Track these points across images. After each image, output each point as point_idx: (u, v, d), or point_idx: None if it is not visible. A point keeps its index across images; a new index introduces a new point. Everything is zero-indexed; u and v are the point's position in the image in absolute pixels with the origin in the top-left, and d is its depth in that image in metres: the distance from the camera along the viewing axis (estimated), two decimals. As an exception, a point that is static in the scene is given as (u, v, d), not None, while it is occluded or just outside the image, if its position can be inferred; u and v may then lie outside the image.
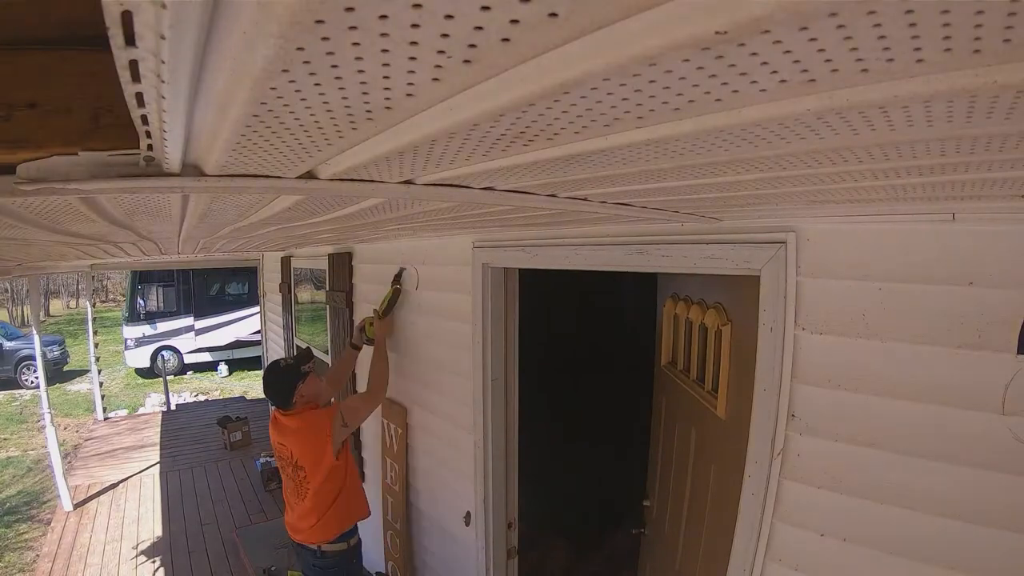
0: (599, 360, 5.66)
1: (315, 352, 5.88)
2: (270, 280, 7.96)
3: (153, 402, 12.75)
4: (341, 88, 0.44)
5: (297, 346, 6.64)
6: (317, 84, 0.43)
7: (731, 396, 2.13)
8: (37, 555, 5.91)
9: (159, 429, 9.97)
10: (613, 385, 5.52)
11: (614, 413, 5.48)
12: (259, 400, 11.22)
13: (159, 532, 6.11)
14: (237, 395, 13.25)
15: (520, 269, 2.91)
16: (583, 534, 4.95)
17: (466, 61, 0.39)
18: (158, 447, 8.98)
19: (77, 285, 31.70)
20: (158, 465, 8.19)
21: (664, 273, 2.54)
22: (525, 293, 3.12)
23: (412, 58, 0.38)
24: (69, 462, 8.22)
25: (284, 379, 3.12)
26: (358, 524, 3.39)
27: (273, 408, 3.27)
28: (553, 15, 0.32)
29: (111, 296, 34.77)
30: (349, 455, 3.31)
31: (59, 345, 16.21)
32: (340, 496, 3.20)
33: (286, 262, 6.75)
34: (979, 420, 1.30)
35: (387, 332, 3.78)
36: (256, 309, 11.31)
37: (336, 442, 3.10)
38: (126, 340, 15.18)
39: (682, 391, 2.69)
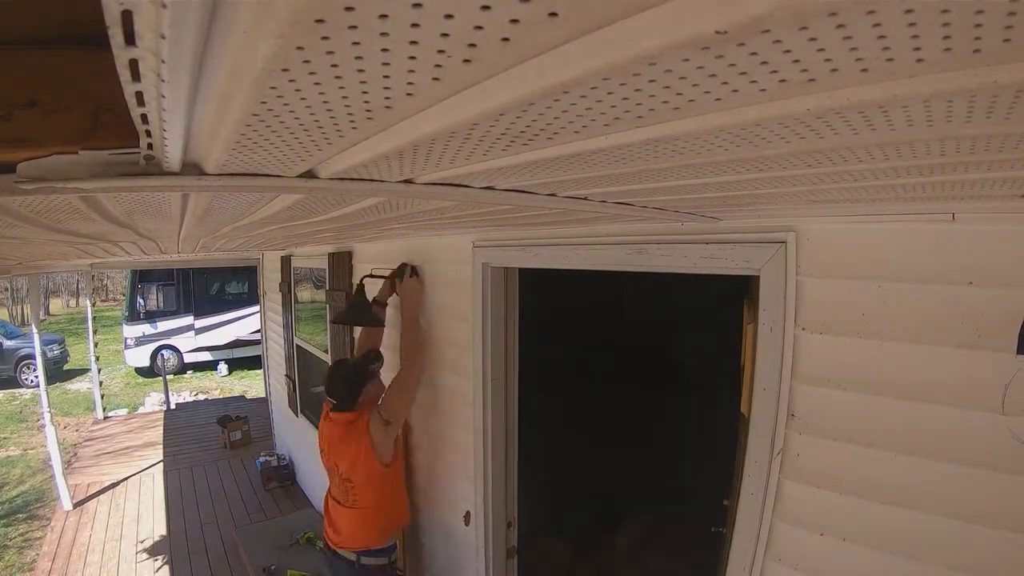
0: (605, 361, 5.66)
1: (315, 351, 5.91)
2: (270, 279, 7.95)
3: (153, 401, 12.75)
4: (341, 87, 0.44)
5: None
6: (317, 83, 0.43)
7: (748, 394, 2.12)
8: (37, 554, 5.91)
9: (159, 428, 9.98)
10: (624, 385, 5.52)
11: (623, 414, 5.48)
12: (259, 399, 11.22)
13: (159, 531, 6.11)
14: (237, 394, 13.26)
15: (530, 269, 2.90)
16: (584, 534, 4.95)
17: (466, 61, 0.39)
18: (158, 446, 8.98)
19: (77, 284, 31.68)
20: (158, 464, 8.20)
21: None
22: (535, 292, 3.11)
23: (412, 57, 0.38)
24: (69, 461, 8.23)
25: (354, 378, 3.08)
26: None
27: (326, 405, 3.19)
28: (553, 14, 0.32)
29: (111, 295, 34.76)
30: (400, 459, 3.20)
31: (59, 344, 16.20)
32: (384, 503, 3.11)
33: (286, 261, 6.75)
34: (979, 420, 1.30)
35: (413, 300, 3.32)
36: (256, 308, 11.29)
37: (381, 447, 2.99)
38: (126, 339, 15.17)
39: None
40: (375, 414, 2.99)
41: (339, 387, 3.08)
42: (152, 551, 5.68)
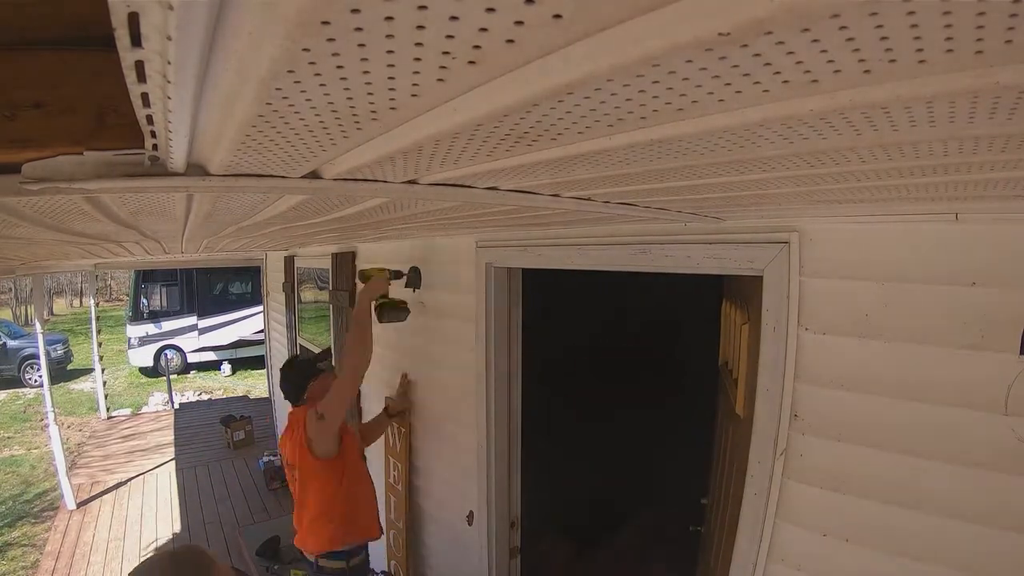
0: (608, 360, 5.66)
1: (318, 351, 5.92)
2: (273, 279, 7.97)
3: (156, 401, 12.79)
4: (346, 89, 0.45)
5: (302, 347, 6.63)
6: (322, 85, 0.43)
7: (748, 395, 2.12)
8: (41, 553, 5.92)
9: (162, 428, 10.00)
10: (628, 385, 5.52)
11: (626, 414, 5.47)
12: (262, 399, 11.24)
13: (162, 530, 6.12)
14: (240, 394, 13.27)
15: (534, 270, 2.90)
16: (588, 534, 4.95)
17: (471, 62, 0.40)
18: (161, 446, 9.00)
19: (81, 284, 31.81)
20: (161, 464, 8.21)
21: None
22: (539, 292, 3.10)
23: (417, 59, 0.39)
24: (73, 461, 8.25)
25: (298, 373, 3.12)
26: (368, 545, 3.20)
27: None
28: (557, 16, 0.32)
29: (115, 295, 34.82)
30: (351, 462, 3.08)
31: (63, 344, 16.22)
32: (334, 503, 3.00)
33: (289, 261, 6.76)
34: (982, 421, 1.30)
35: (373, 295, 3.20)
36: (259, 308, 11.33)
37: (315, 440, 2.89)
38: (129, 339, 15.19)
39: (726, 390, 2.70)
40: (312, 409, 2.94)
41: (285, 384, 3.16)
42: (155, 551, 5.69)
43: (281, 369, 3.26)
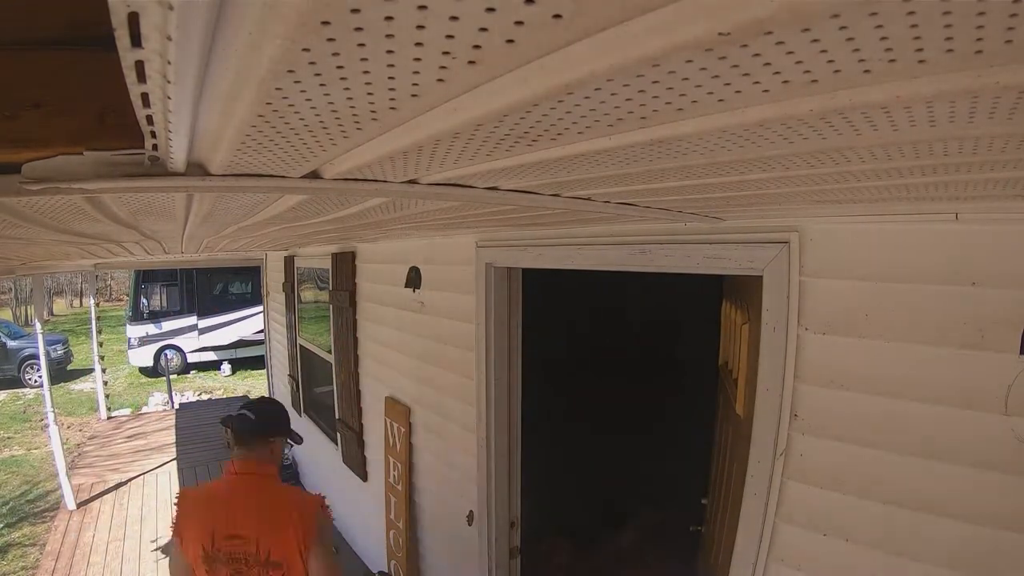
0: (609, 360, 5.66)
1: (318, 351, 5.91)
2: (273, 279, 7.96)
3: (156, 401, 12.78)
4: (346, 89, 0.45)
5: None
6: (322, 85, 0.43)
7: (748, 394, 2.12)
8: (41, 553, 5.92)
9: (162, 428, 9.99)
10: (628, 385, 5.52)
11: (626, 414, 5.48)
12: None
13: (162, 530, 6.12)
14: (240, 394, 13.26)
15: (535, 270, 2.90)
16: (587, 534, 4.95)
17: (471, 62, 0.40)
18: (161, 446, 9.00)
19: (81, 284, 31.79)
20: (161, 463, 8.21)
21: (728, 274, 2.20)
22: (539, 292, 3.10)
23: (417, 59, 0.39)
24: (73, 461, 8.25)
25: (276, 418, 2.48)
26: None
27: (230, 461, 2.42)
28: (557, 16, 0.32)
29: (115, 295, 34.82)
30: None
31: (63, 344, 16.22)
32: None
33: (289, 261, 6.75)
34: (981, 421, 1.29)
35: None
36: (259, 308, 11.31)
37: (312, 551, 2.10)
38: (129, 339, 15.21)
39: (726, 390, 2.71)
40: (320, 529, 2.18)
41: (261, 416, 2.51)
42: (155, 551, 5.69)
43: (264, 399, 2.71)
